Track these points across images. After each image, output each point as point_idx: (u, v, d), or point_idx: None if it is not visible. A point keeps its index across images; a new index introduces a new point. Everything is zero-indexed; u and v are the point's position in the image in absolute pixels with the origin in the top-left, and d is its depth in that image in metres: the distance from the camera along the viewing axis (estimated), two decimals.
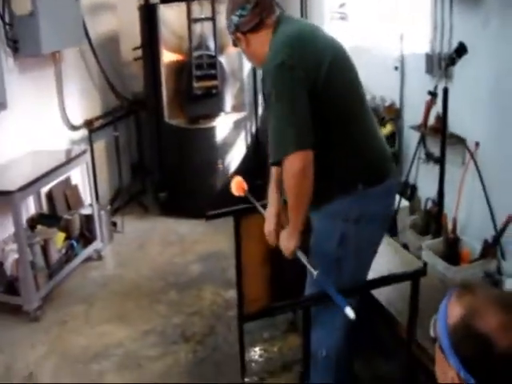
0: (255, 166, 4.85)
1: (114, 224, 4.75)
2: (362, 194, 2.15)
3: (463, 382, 1.22)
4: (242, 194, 2.81)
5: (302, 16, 4.98)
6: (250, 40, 2.23)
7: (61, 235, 4.15)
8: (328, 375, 2.40)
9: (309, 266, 2.08)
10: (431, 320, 1.37)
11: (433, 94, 3.28)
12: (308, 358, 2.26)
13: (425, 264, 2.76)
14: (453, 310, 1.26)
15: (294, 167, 2.01)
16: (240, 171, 4.89)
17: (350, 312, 1.76)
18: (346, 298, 1.87)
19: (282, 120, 2.04)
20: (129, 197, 5.29)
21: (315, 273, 1.97)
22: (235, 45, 2.35)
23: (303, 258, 2.21)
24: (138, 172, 5.68)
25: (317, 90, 2.04)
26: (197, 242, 4.59)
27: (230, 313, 3.57)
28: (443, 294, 1.30)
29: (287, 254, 2.28)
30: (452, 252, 3.00)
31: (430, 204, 3.63)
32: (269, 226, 2.45)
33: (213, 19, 4.67)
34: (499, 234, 2.75)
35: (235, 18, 2.20)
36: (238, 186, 2.80)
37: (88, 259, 4.28)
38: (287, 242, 2.26)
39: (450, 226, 3.22)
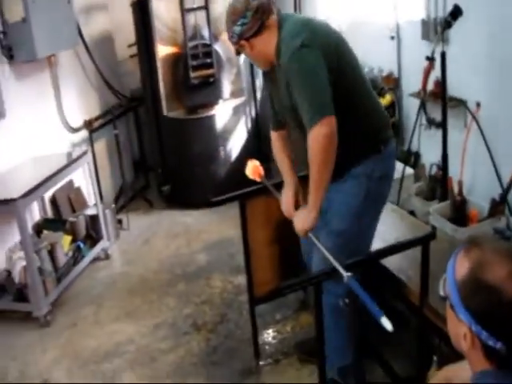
0: (257, 150, 4.79)
1: (120, 222, 4.71)
2: (382, 154, 2.36)
3: (475, 336, 1.22)
4: (257, 178, 2.76)
5: None
6: (254, 44, 2.31)
7: (67, 238, 4.11)
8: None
9: (334, 263, 2.01)
10: (440, 280, 1.32)
11: (431, 59, 3.24)
12: (322, 334, 2.21)
13: (433, 228, 2.70)
14: (461, 266, 1.26)
15: (322, 132, 2.11)
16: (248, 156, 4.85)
17: (386, 323, 1.65)
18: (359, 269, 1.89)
19: (307, 93, 2.15)
20: (133, 193, 5.25)
21: (346, 275, 1.89)
22: (238, 53, 2.43)
23: (319, 244, 2.22)
24: (141, 168, 5.64)
25: (332, 65, 2.19)
26: (202, 232, 4.54)
27: (240, 298, 3.53)
28: None
29: (301, 235, 2.33)
30: (460, 214, 2.93)
31: (434, 169, 3.56)
32: (288, 206, 2.49)
33: (206, 8, 4.61)
34: (506, 191, 2.67)
35: (237, 28, 2.28)
36: (254, 171, 2.77)
37: (95, 259, 4.24)
38: (304, 222, 2.30)
39: (456, 189, 3.14)
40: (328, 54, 2.19)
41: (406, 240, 2.42)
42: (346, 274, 1.90)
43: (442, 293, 1.31)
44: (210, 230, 4.55)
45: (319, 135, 2.12)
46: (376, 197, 2.42)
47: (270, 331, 3.21)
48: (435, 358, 2.04)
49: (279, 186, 2.78)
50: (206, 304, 3.56)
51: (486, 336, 1.20)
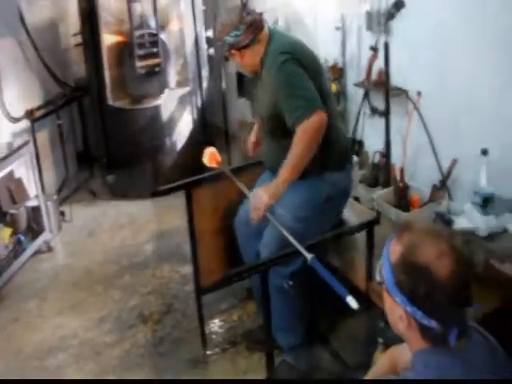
0: (203, 140, 4.76)
1: (63, 213, 4.58)
2: (345, 173, 2.55)
3: (410, 317, 1.26)
4: (215, 165, 2.75)
5: None
6: (244, 54, 2.47)
7: (7, 230, 3.97)
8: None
9: (297, 245, 2.06)
10: (376, 266, 1.35)
11: (374, 49, 3.26)
12: (269, 320, 2.22)
13: (378, 213, 2.75)
14: (394, 250, 1.31)
15: (312, 125, 2.23)
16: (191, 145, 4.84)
17: (352, 301, 1.75)
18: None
19: (296, 92, 2.28)
20: (76, 184, 5.12)
21: (309, 257, 1.95)
22: (227, 59, 2.64)
23: (278, 224, 2.25)
24: (84, 159, 5.50)
25: (312, 78, 2.34)
26: (149, 222, 4.48)
27: (187, 288, 3.51)
28: None
29: (260, 212, 2.33)
30: (403, 200, 2.99)
31: (377, 157, 3.61)
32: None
33: None
34: (446, 177, 2.75)
35: (230, 39, 2.43)
36: (211, 158, 2.79)
37: (38, 252, 4.11)
38: (267, 197, 2.31)
39: (398, 176, 3.20)
40: (309, 68, 2.35)
41: (352, 226, 2.50)
42: (309, 256, 1.93)
43: (378, 278, 1.34)
44: (156, 220, 4.50)
45: (309, 127, 2.23)
46: (333, 206, 2.53)
47: (217, 321, 3.20)
48: (381, 340, 2.08)
49: (237, 171, 2.81)
50: (152, 295, 3.52)
51: (420, 315, 1.24)
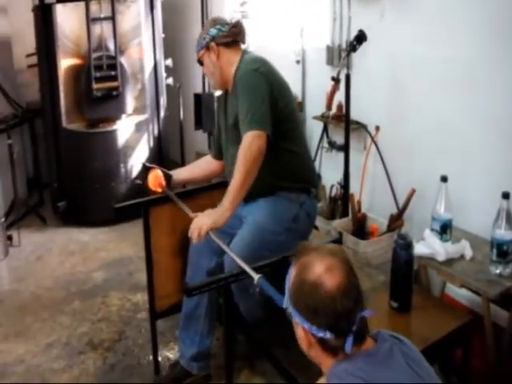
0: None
1: (10, 238, 4.41)
2: (311, 197, 2.56)
3: (308, 333, 1.33)
4: (159, 189, 2.71)
5: (202, 15, 4.99)
6: (221, 53, 2.51)
7: None
8: None
9: (243, 266, 2.03)
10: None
11: (336, 80, 3.33)
12: (231, 343, 2.19)
13: (340, 233, 2.78)
14: (291, 275, 1.38)
15: (256, 143, 2.23)
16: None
17: None
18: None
19: (251, 101, 2.30)
20: (26, 209, 4.94)
21: (256, 277, 1.91)
22: (201, 63, 2.62)
23: (220, 241, 2.22)
24: (35, 185, 5.34)
25: (275, 100, 2.37)
26: (100, 250, 4.35)
27: (139, 316, 3.42)
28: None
29: (201, 232, 2.25)
30: (361, 229, 3.02)
31: (334, 190, 3.66)
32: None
33: (113, 19, 4.50)
34: (404, 206, 2.81)
35: (213, 31, 2.51)
36: (155, 182, 2.73)
37: None
38: (210, 221, 2.25)
39: (356, 207, 3.24)
40: (274, 88, 2.39)
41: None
42: (256, 276, 1.90)
43: (284, 305, 1.39)
44: (109, 248, 4.38)
45: (253, 144, 2.23)
46: (299, 230, 2.51)
47: (171, 347, 3.11)
48: None
49: (184, 195, 2.77)
50: (102, 322, 3.40)
51: (315, 330, 1.30)
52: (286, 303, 1.38)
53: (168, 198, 2.71)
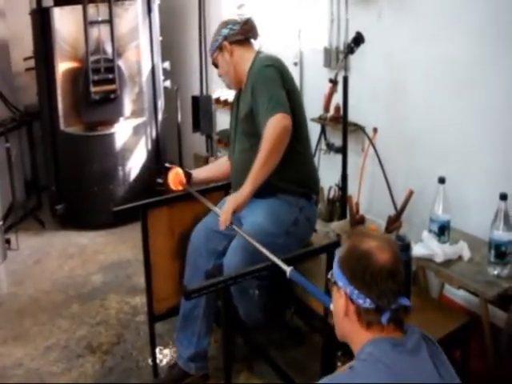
0: (157, 172, 4.70)
1: (8, 241, 4.41)
2: (311, 203, 2.58)
3: (349, 301, 1.38)
4: (180, 187, 2.71)
5: (199, 18, 4.99)
6: (234, 51, 2.57)
7: None
8: None
9: (273, 258, 2.02)
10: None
11: (334, 82, 3.33)
12: (229, 345, 2.19)
13: (338, 235, 2.78)
14: (342, 248, 1.46)
15: (282, 123, 2.23)
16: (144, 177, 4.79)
17: None
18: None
19: (270, 92, 2.32)
20: (23, 212, 4.94)
21: (288, 270, 1.91)
22: (216, 65, 2.67)
23: (245, 234, 2.23)
24: (33, 189, 5.34)
25: (288, 95, 2.37)
26: (98, 253, 4.36)
27: (137, 319, 3.42)
28: None
29: (228, 216, 2.25)
30: None
31: (332, 192, 3.65)
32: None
33: (110, 22, 4.51)
34: (402, 208, 2.81)
35: (225, 31, 2.58)
36: (175, 180, 2.73)
37: None
38: (237, 199, 2.26)
39: (354, 208, 3.24)
40: (287, 87, 2.41)
41: (313, 247, 2.54)
42: (288, 269, 1.91)
43: (329, 276, 1.46)
44: (107, 251, 4.38)
45: (280, 122, 2.24)
46: (298, 234, 2.52)
47: (169, 350, 3.11)
48: (339, 364, 2.07)
49: (205, 192, 2.81)
50: (101, 325, 3.40)
51: (357, 295, 1.36)
52: (333, 272, 1.43)
53: (165, 200, 2.72)
